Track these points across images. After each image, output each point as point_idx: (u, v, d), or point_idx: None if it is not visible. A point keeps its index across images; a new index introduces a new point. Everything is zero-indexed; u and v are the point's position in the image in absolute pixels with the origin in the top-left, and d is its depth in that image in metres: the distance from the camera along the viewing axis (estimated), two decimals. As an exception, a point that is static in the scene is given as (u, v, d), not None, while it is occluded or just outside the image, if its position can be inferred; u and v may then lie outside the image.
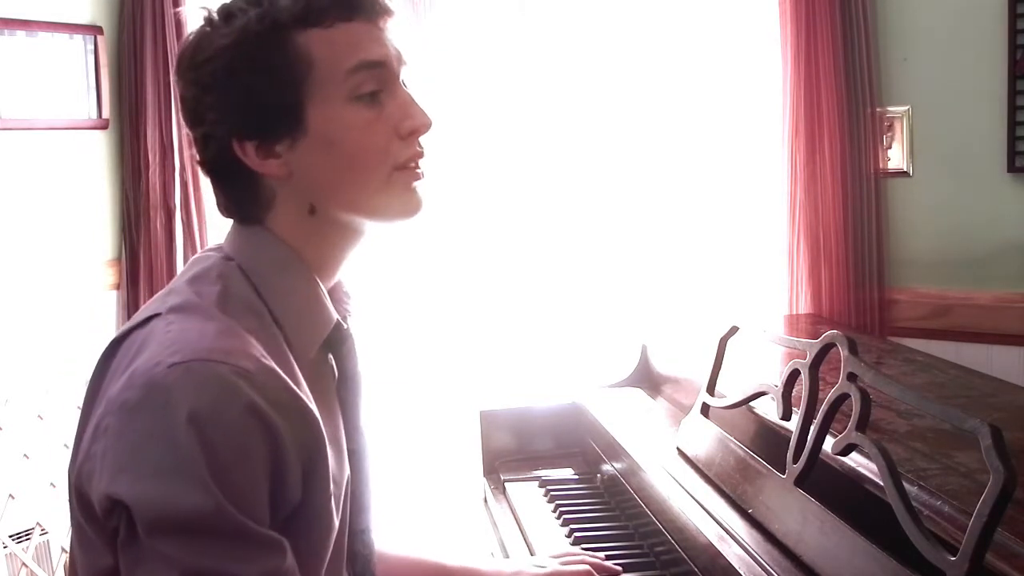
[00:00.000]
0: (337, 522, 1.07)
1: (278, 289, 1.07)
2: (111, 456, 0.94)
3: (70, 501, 1.02)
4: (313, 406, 1.01)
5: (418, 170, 1.10)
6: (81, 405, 1.05)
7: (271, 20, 1.03)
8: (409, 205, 1.10)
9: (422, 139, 1.10)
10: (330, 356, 1.14)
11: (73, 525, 1.02)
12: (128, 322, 1.06)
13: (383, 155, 1.07)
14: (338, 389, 1.14)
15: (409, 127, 1.08)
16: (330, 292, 1.13)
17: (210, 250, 1.13)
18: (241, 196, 1.09)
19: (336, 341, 1.13)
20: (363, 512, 1.16)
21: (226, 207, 1.12)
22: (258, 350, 0.98)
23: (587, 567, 1.49)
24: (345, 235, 1.11)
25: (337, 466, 1.09)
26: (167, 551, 0.91)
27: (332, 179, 1.06)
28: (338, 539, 1.09)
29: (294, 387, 0.99)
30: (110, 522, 0.95)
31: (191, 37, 1.07)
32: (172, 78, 1.11)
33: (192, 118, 1.08)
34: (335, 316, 1.11)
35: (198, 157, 1.10)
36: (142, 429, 0.93)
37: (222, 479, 0.91)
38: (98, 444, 0.95)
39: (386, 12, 1.08)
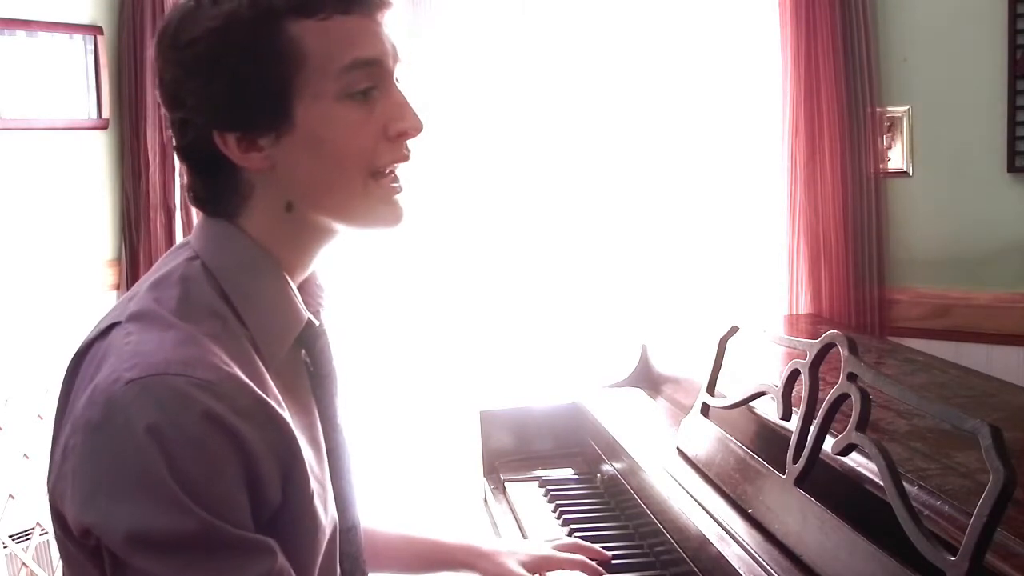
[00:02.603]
0: (326, 521, 1.06)
1: (245, 290, 1.03)
2: (79, 480, 0.92)
3: (51, 517, 1.00)
4: (282, 409, 0.99)
5: (395, 184, 1.06)
6: (53, 419, 1.03)
7: (264, 6, 0.98)
8: (388, 216, 1.06)
9: (411, 143, 1.06)
10: (304, 353, 1.11)
11: (56, 539, 1.01)
12: (90, 331, 1.03)
13: (367, 156, 1.03)
14: (313, 387, 1.12)
15: (399, 129, 1.04)
16: (302, 286, 1.10)
17: (180, 246, 1.09)
18: (217, 187, 1.04)
19: (309, 338, 1.10)
20: (348, 510, 1.14)
21: (198, 197, 1.07)
22: (219, 358, 0.95)
23: (580, 557, 1.51)
24: (319, 235, 1.07)
25: (318, 464, 1.08)
26: (150, 570, 0.90)
27: (315, 178, 1.03)
28: (330, 538, 1.08)
29: (259, 392, 0.96)
30: (88, 541, 0.94)
31: (175, 14, 1.01)
32: (152, 53, 1.05)
33: (170, 101, 1.03)
34: (306, 315, 1.08)
35: (174, 142, 1.05)
36: (105, 451, 0.91)
37: (195, 493, 0.90)
38: (67, 464, 0.94)
39: (384, 6, 1.04)
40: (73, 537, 0.96)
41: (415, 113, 1.05)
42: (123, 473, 0.90)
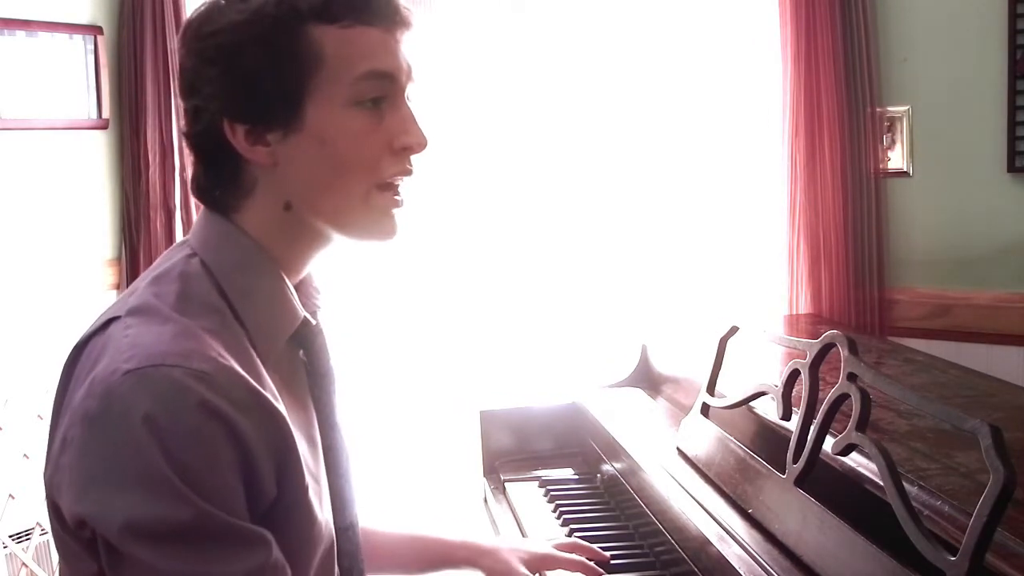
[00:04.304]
0: (322, 518, 1.07)
1: (242, 287, 1.05)
2: (77, 471, 0.93)
3: (48, 510, 1.01)
4: (279, 403, 1.00)
5: (397, 196, 1.08)
6: (51, 413, 1.04)
7: (289, 6, 1.01)
8: (383, 229, 1.08)
9: (414, 159, 1.08)
10: (301, 352, 1.12)
11: (53, 533, 1.02)
12: (89, 326, 1.04)
13: (371, 167, 1.05)
14: (311, 386, 1.13)
15: (404, 143, 1.06)
16: (299, 287, 1.12)
17: (179, 244, 1.10)
18: (220, 178, 1.06)
19: (306, 337, 1.11)
20: (345, 508, 1.14)
21: (202, 187, 1.08)
22: (216, 350, 0.97)
23: (580, 558, 1.52)
24: (314, 239, 1.09)
25: (313, 462, 1.08)
26: (147, 559, 0.90)
27: (316, 180, 1.05)
28: (327, 536, 1.09)
29: (256, 385, 0.98)
30: (84, 533, 0.94)
31: (202, 7, 1.05)
32: (176, 44, 1.08)
33: (186, 89, 1.06)
34: (302, 313, 1.09)
35: (185, 129, 1.08)
36: (102, 441, 0.92)
37: (191, 482, 0.90)
38: (64, 456, 0.95)
39: (405, 24, 1.07)
40: (69, 530, 0.96)
41: (421, 130, 1.08)
42: (119, 463, 0.91)
